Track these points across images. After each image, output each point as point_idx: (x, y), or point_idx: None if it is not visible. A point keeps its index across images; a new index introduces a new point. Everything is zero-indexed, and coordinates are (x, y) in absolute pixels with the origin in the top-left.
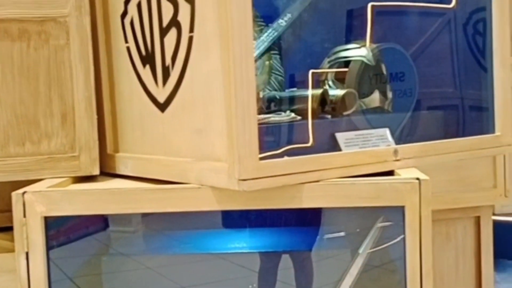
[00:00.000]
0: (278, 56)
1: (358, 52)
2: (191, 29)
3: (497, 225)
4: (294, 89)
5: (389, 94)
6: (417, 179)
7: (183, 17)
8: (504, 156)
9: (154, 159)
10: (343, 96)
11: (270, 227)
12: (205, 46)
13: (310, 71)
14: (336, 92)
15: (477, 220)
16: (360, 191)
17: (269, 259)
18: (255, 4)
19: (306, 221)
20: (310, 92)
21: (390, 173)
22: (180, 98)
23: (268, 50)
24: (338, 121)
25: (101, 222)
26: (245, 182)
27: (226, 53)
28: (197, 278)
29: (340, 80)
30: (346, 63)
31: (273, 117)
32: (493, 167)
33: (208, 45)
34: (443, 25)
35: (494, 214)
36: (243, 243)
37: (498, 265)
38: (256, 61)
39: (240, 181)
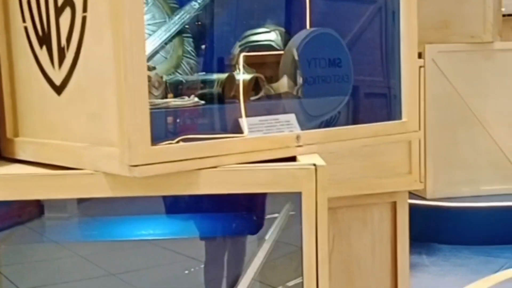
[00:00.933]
0: (190, 39)
1: (268, 36)
2: (85, 9)
3: (427, 210)
4: (203, 73)
5: (299, 80)
6: (314, 165)
7: None
8: (420, 142)
9: (51, 144)
10: (249, 81)
11: (207, 213)
12: (99, 28)
13: (243, 55)
14: (243, 77)
15: (393, 206)
16: (258, 177)
17: (214, 250)
18: None
19: (243, 206)
20: (240, 76)
21: (293, 159)
22: (76, 81)
23: (180, 33)
24: (246, 106)
25: (36, 208)
26: (136, 168)
27: (117, 36)
28: (128, 264)
29: (250, 65)
30: (256, 47)
31: (174, 102)
32: (408, 153)
33: (101, 27)
34: (374, 12)
35: (425, 199)
36: (175, 229)
37: (428, 249)
38: (167, 44)
39: (131, 167)
